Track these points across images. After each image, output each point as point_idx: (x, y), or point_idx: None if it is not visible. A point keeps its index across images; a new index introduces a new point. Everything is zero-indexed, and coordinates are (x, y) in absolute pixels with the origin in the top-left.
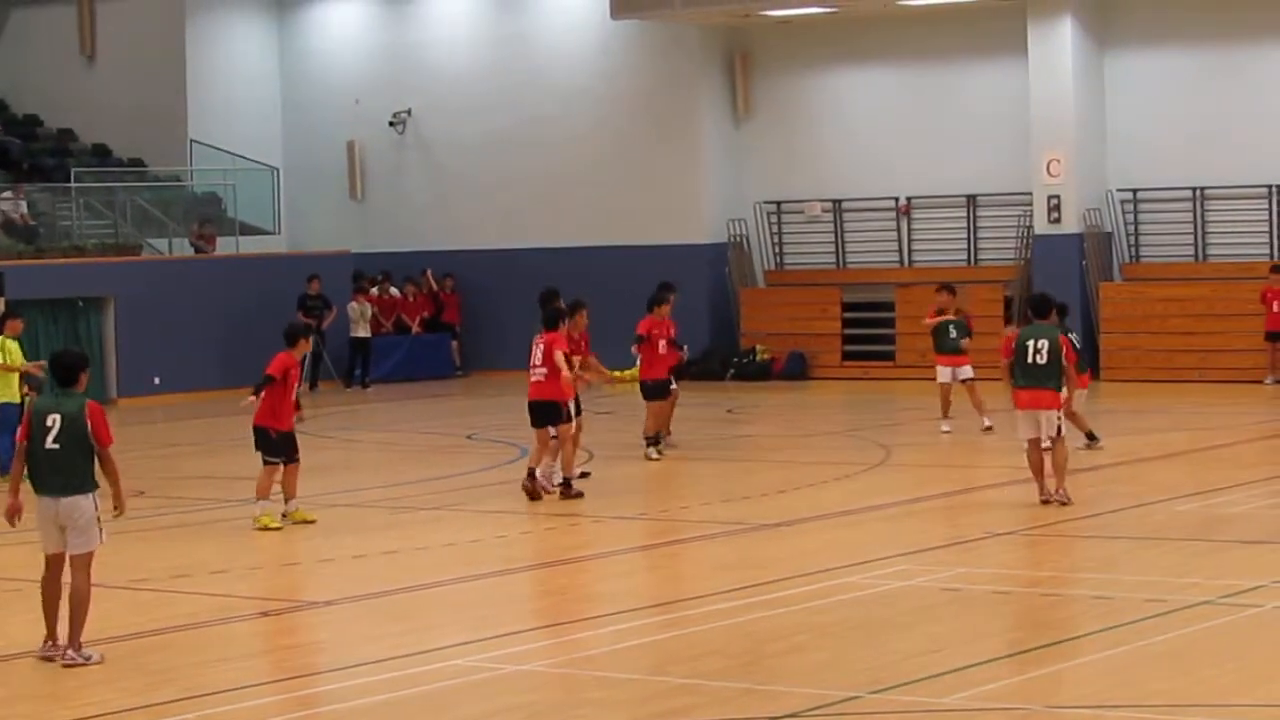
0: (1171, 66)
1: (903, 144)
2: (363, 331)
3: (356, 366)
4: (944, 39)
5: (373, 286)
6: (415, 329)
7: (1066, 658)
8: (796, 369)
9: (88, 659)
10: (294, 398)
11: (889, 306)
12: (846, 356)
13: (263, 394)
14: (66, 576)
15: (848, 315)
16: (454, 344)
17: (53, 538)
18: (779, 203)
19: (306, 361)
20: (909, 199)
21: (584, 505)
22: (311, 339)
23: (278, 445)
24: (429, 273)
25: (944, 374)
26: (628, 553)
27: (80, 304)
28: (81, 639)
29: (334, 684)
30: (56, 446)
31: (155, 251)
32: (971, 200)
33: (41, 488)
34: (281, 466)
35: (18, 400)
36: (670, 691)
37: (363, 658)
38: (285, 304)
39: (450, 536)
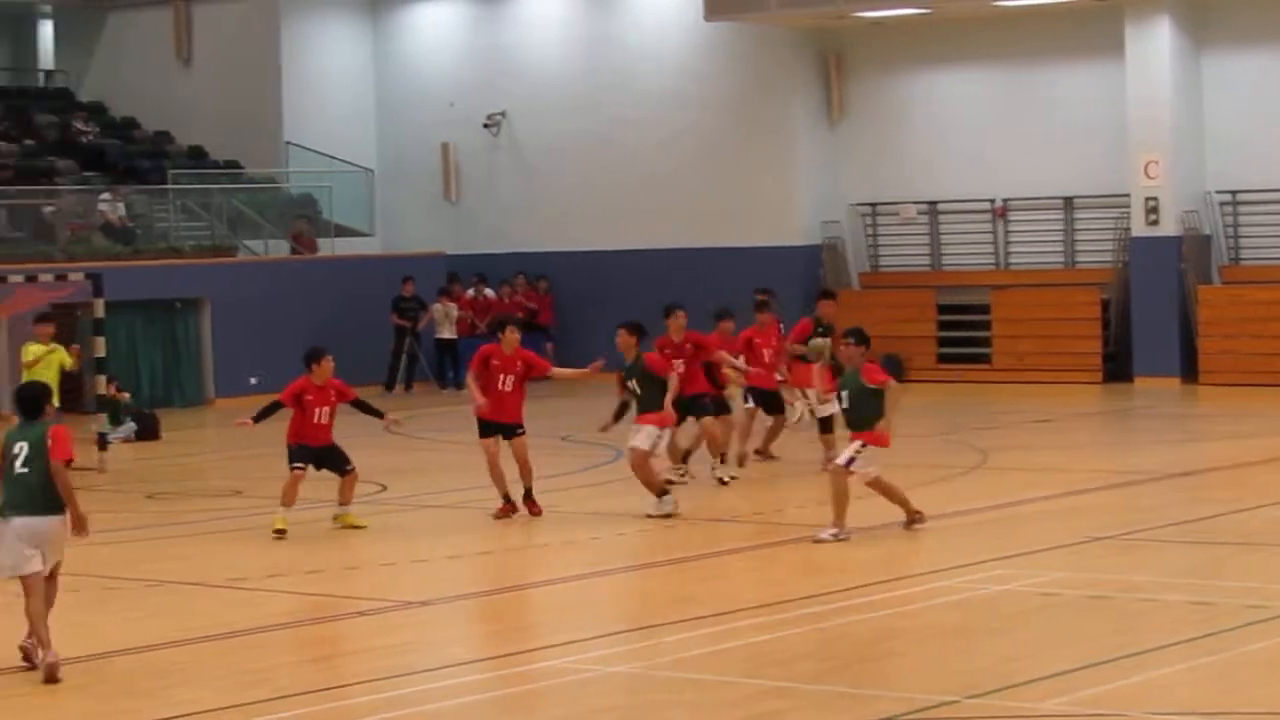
0: (1270, 66)
1: (998, 145)
2: (448, 333)
3: (447, 368)
4: (1040, 40)
5: (467, 289)
6: None
7: (1165, 664)
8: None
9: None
10: (321, 420)
11: (984, 309)
12: (942, 359)
13: (276, 415)
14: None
15: (943, 318)
16: (548, 346)
17: (23, 557)
18: (874, 204)
19: (406, 364)
20: (1005, 201)
21: (676, 507)
22: (330, 360)
23: (297, 453)
24: (522, 278)
25: None
26: (721, 555)
27: (178, 305)
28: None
29: (426, 684)
30: (26, 470)
31: (251, 253)
32: (1068, 202)
33: (15, 510)
34: (302, 475)
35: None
36: (764, 694)
37: (456, 658)
38: (379, 306)
39: (544, 538)
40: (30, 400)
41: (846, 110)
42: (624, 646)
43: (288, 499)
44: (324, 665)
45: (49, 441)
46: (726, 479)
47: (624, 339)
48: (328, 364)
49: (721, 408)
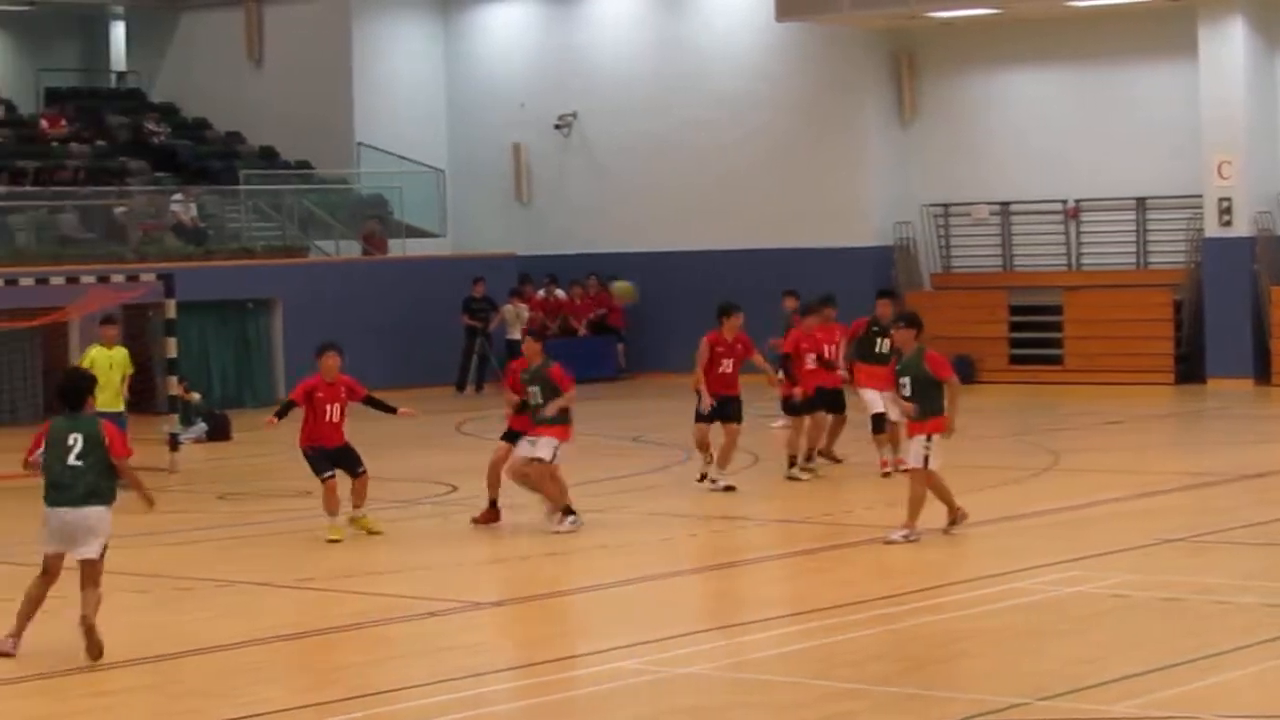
0: None
1: (1071, 146)
2: (517, 335)
3: None
4: (1112, 40)
5: (538, 290)
6: (581, 331)
7: (1238, 666)
8: (963, 373)
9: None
10: (332, 418)
11: (1056, 310)
12: (1013, 360)
13: (289, 416)
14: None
15: (1015, 319)
16: (619, 346)
17: (58, 543)
18: (946, 205)
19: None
20: (1077, 201)
21: (747, 508)
22: (334, 356)
23: (318, 461)
24: (594, 279)
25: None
26: (791, 556)
27: (249, 306)
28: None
29: (498, 685)
30: (80, 463)
31: (322, 254)
32: (1141, 203)
33: (62, 500)
34: (336, 480)
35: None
36: (834, 696)
37: (528, 659)
38: (450, 306)
39: (615, 539)
40: (74, 390)
41: (918, 110)
42: (695, 647)
43: (330, 507)
44: (395, 665)
45: (106, 439)
46: (803, 477)
47: (530, 346)
48: (330, 359)
49: (793, 410)
